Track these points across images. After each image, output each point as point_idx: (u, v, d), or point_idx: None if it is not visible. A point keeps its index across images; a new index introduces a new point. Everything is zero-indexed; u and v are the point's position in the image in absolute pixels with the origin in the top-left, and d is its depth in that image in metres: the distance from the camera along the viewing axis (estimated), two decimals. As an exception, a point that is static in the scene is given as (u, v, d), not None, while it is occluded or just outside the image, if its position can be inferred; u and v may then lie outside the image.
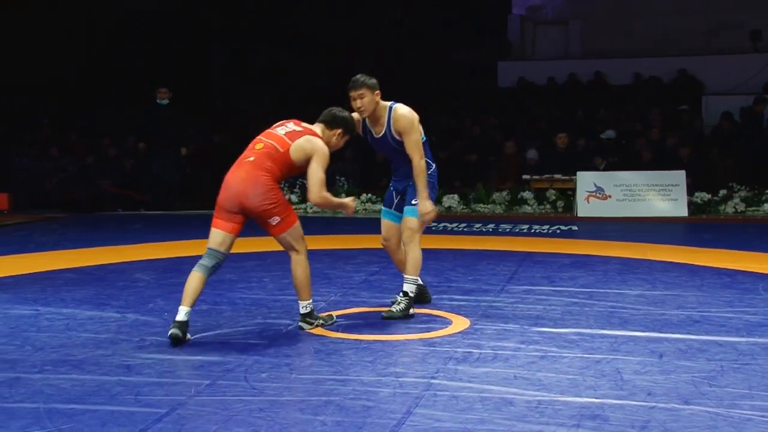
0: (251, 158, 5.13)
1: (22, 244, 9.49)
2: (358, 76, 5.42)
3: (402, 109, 5.43)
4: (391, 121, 5.42)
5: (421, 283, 5.79)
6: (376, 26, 19.09)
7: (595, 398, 3.83)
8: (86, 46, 19.37)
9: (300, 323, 5.22)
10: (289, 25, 19.74)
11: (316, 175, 5.09)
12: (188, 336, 4.92)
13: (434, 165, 5.65)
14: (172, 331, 4.82)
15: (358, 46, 18.79)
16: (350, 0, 20.37)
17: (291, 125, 5.27)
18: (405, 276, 5.57)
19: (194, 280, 5.05)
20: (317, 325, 5.21)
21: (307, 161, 5.13)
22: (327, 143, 5.23)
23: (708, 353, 4.59)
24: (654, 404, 3.74)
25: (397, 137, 5.45)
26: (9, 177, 14.34)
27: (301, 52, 18.93)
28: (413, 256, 5.50)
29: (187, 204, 13.94)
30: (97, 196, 13.93)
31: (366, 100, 5.38)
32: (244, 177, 5.07)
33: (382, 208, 5.82)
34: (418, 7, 19.67)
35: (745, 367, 4.33)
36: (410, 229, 5.51)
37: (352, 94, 5.39)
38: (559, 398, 3.84)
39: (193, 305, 4.96)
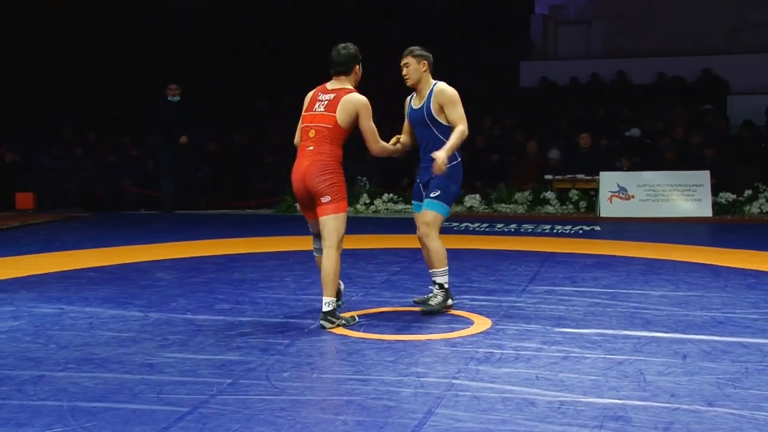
0: (311, 147, 5.35)
1: (47, 243, 9.57)
2: (414, 46, 5.65)
3: (445, 85, 5.60)
4: (432, 94, 5.54)
5: (446, 273, 5.69)
6: (397, 26, 19.09)
7: (618, 399, 3.81)
8: (125, 47, 19.50)
9: (321, 321, 5.23)
10: (308, 24, 19.80)
11: (369, 129, 5.36)
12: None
13: (459, 158, 5.65)
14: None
15: (379, 46, 18.81)
16: (371, 0, 20.42)
17: (324, 97, 5.40)
18: (432, 271, 5.63)
19: (320, 264, 5.41)
20: (338, 325, 5.22)
21: (356, 120, 5.34)
22: (356, 84, 5.45)
23: (732, 355, 4.55)
24: (677, 406, 3.71)
25: (434, 112, 5.54)
26: (34, 177, 14.48)
27: (319, 51, 18.95)
28: (434, 249, 5.56)
29: (211, 203, 14.02)
30: (119, 195, 14.03)
31: (411, 68, 5.58)
32: (307, 164, 5.33)
33: (413, 202, 5.86)
34: (441, 7, 19.65)
35: (771, 369, 4.29)
36: (425, 224, 5.55)
37: (401, 62, 5.63)
38: (582, 399, 3.82)
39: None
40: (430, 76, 5.65)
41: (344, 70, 5.44)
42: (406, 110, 5.82)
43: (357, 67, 5.47)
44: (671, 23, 18.60)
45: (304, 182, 5.31)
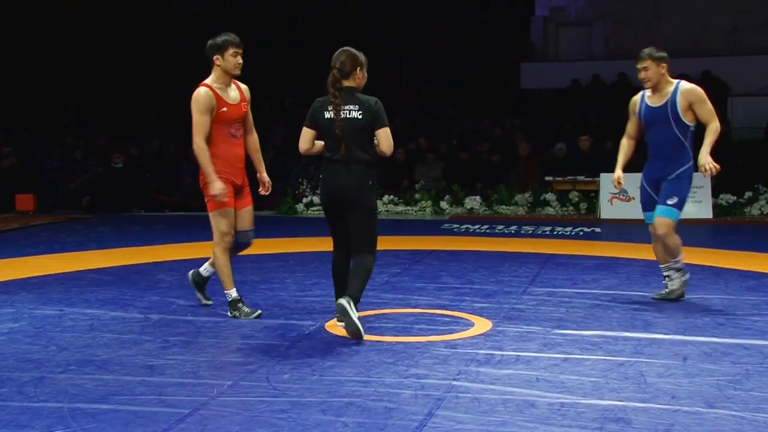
0: None
1: (47, 244, 9.58)
2: (646, 49, 5.87)
3: (691, 85, 5.81)
4: (679, 92, 5.75)
5: (681, 264, 6.04)
6: (399, 28, 19.11)
7: (618, 401, 3.81)
8: (127, 48, 19.54)
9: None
10: (310, 26, 19.83)
11: (194, 122, 5.37)
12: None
13: (692, 161, 5.86)
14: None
15: (382, 48, 18.84)
16: (374, 3, 20.44)
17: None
18: (672, 259, 5.99)
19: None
20: (236, 316, 5.53)
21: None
22: (223, 72, 5.51)
23: (733, 356, 4.54)
24: (678, 408, 3.71)
25: (681, 110, 5.74)
26: (35, 178, 14.48)
27: (320, 53, 18.99)
28: (674, 244, 5.92)
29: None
30: (121, 196, 14.03)
31: (651, 72, 5.79)
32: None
33: (645, 213, 6.12)
34: (442, 9, 19.66)
35: (771, 370, 4.29)
36: (665, 225, 5.85)
37: (637, 66, 5.87)
38: (582, 401, 3.82)
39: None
40: (668, 75, 5.84)
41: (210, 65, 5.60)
42: (636, 109, 6.01)
43: (215, 56, 5.51)
44: (672, 25, 18.61)
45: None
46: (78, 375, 4.27)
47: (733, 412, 3.64)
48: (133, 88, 18.77)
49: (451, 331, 5.19)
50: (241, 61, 5.54)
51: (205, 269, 5.92)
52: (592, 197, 12.72)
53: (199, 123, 5.37)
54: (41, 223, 11.79)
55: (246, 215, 5.71)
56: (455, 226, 11.28)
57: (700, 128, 5.85)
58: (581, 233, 10.46)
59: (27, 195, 13.60)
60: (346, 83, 5.12)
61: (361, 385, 4.06)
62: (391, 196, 13.30)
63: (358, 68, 5.15)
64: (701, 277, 7.09)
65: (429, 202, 13.13)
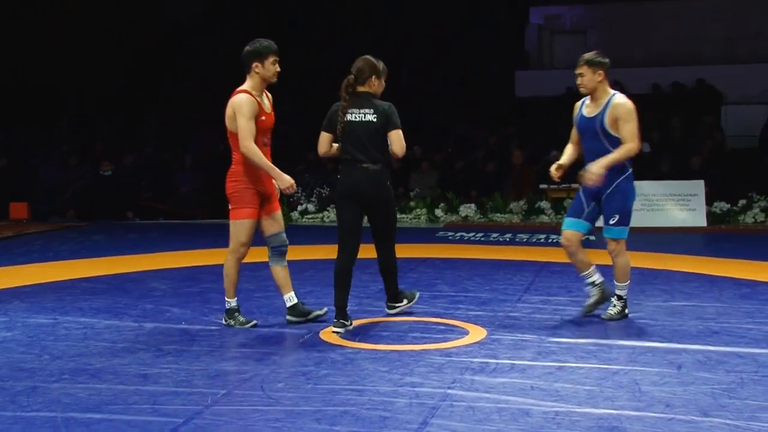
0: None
1: (41, 253, 9.55)
2: (586, 53, 5.65)
3: (624, 98, 5.55)
4: (610, 105, 5.49)
5: (628, 287, 5.83)
6: (394, 36, 19.13)
7: (613, 410, 3.80)
8: (125, 54, 19.54)
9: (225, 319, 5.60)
10: (307, 32, 19.84)
11: (240, 127, 5.28)
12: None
13: (631, 169, 5.63)
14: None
15: (376, 55, 18.85)
16: (368, 10, 20.46)
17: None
18: (617, 283, 5.72)
19: (273, 274, 5.75)
20: (230, 324, 5.53)
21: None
22: (261, 80, 5.45)
23: (727, 365, 4.55)
24: (672, 416, 3.71)
25: (608, 124, 5.49)
26: (29, 186, 14.45)
27: (314, 61, 19.01)
28: (621, 265, 5.67)
29: (208, 212, 14.04)
30: (124, 201, 14.00)
31: (586, 78, 5.57)
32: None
33: (567, 218, 5.79)
34: (437, 16, 19.69)
35: (766, 379, 4.29)
36: (612, 243, 5.64)
37: (576, 71, 5.66)
38: (577, 409, 3.82)
39: (289, 291, 5.73)
40: (607, 85, 5.62)
41: (245, 71, 5.50)
42: (575, 115, 5.78)
43: (254, 64, 5.42)
44: (666, 33, 18.68)
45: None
46: (71, 384, 4.25)
47: (728, 421, 3.64)
48: (133, 89, 18.76)
49: (445, 340, 5.19)
50: (279, 69, 5.49)
51: (289, 299, 5.68)
52: (586, 205, 12.71)
53: (247, 128, 5.28)
54: (35, 232, 11.76)
55: (279, 218, 5.63)
56: (450, 233, 11.28)
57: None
58: (576, 241, 10.45)
59: (20, 203, 13.57)
60: (362, 89, 5.48)
61: (355, 394, 4.05)
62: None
63: (374, 76, 5.55)
64: (696, 285, 7.10)
65: (424, 210, 13.12)
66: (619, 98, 5.54)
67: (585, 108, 5.69)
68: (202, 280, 7.44)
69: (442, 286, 7.09)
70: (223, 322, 5.60)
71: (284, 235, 5.64)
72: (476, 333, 5.34)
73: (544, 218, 12.73)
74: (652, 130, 15.01)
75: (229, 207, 5.48)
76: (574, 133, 5.88)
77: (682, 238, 10.88)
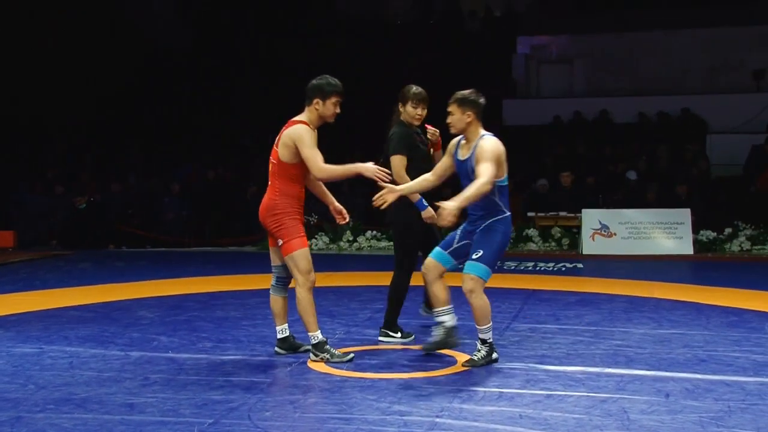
0: (269, 182, 5.42)
1: (27, 281, 9.49)
2: (463, 91, 5.32)
3: (488, 141, 5.18)
4: (476, 148, 5.17)
5: (491, 329, 5.33)
6: (382, 66, 19.25)
7: (602, 438, 3.80)
8: (111, 84, 19.59)
9: (310, 353, 5.37)
10: (299, 63, 19.96)
11: (307, 156, 5.20)
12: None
13: (508, 213, 5.27)
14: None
15: (364, 83, 18.95)
16: (355, 38, 20.59)
17: (283, 130, 5.40)
18: (478, 327, 5.24)
19: (272, 303, 5.60)
20: (324, 358, 5.28)
21: (297, 152, 5.24)
22: (319, 117, 5.34)
23: (715, 393, 4.55)
24: (661, 444, 3.71)
25: (476, 165, 5.12)
26: (15, 214, 14.38)
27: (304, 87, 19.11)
28: (478, 306, 5.17)
29: (195, 240, 14.03)
30: (101, 233, 13.96)
31: (454, 117, 5.28)
32: (263, 200, 5.41)
33: (435, 248, 5.43)
34: (424, 45, 19.84)
35: (753, 407, 4.29)
36: (468, 280, 5.16)
37: (447, 108, 5.35)
38: (565, 438, 3.80)
39: (284, 323, 5.60)
40: (479, 126, 5.27)
41: (306, 102, 5.42)
42: (452, 151, 5.41)
43: (316, 101, 5.33)
44: (652, 63, 18.87)
45: (260, 217, 5.41)
46: (57, 414, 4.22)
47: (716, 449, 3.64)
48: (116, 120, 18.78)
49: (434, 368, 5.18)
50: (339, 111, 5.40)
51: (281, 330, 5.57)
52: (574, 233, 12.78)
53: (315, 155, 5.18)
54: (21, 260, 11.69)
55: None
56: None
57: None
58: (563, 269, 10.49)
59: (7, 231, 13.51)
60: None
61: (343, 423, 4.03)
62: (374, 232, 13.29)
63: (400, 104, 5.98)
64: (683, 313, 7.12)
65: (412, 238, 13.14)
66: (486, 141, 5.17)
67: (459, 150, 5.35)
68: (189, 309, 7.41)
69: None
70: (313, 358, 5.31)
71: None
72: (464, 361, 5.32)
73: (532, 246, 12.75)
74: (638, 159, 15.14)
75: (280, 243, 5.29)
76: (439, 165, 5.54)
77: (669, 266, 10.92)
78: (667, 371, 5.05)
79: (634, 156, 15.41)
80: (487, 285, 5.23)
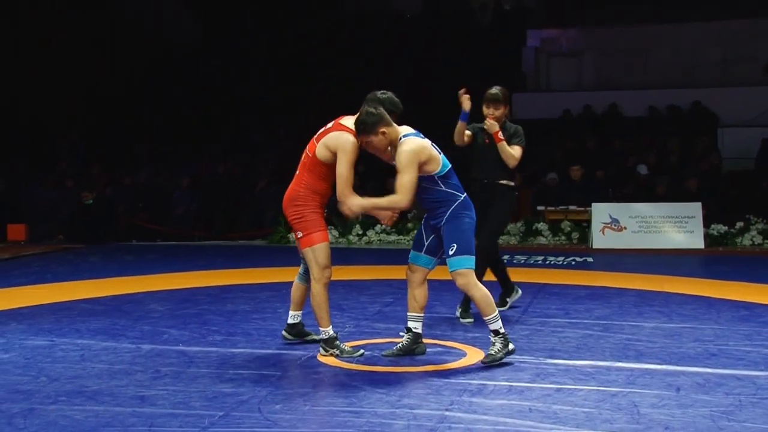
0: (297, 172, 5.37)
1: (39, 274, 9.54)
2: (361, 116, 5.05)
3: (404, 146, 5.00)
4: (396, 154, 5.04)
5: (420, 332, 5.33)
6: (391, 59, 19.23)
7: (612, 432, 3.80)
8: (121, 80, 19.65)
9: (320, 348, 5.34)
10: (307, 58, 19.95)
11: (339, 171, 5.09)
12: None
13: (462, 194, 5.19)
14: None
15: (374, 78, 18.95)
16: (368, 33, 20.57)
17: (330, 124, 5.29)
18: (485, 318, 5.11)
19: (294, 288, 5.59)
20: (331, 354, 5.24)
21: (334, 158, 5.16)
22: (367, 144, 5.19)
23: (726, 387, 4.54)
24: (671, 438, 3.70)
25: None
26: (26, 208, 14.45)
27: (315, 84, 19.12)
28: (479, 296, 5.08)
29: (205, 234, 14.06)
30: (106, 229, 14.00)
31: (374, 143, 5.04)
32: (288, 189, 5.37)
33: (411, 251, 5.33)
34: (434, 39, 19.81)
35: (764, 401, 4.28)
36: (457, 276, 5.08)
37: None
38: (575, 432, 3.81)
39: (298, 310, 5.62)
40: (394, 129, 5.06)
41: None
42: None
43: (379, 128, 5.01)
44: (662, 56, 18.78)
45: (283, 206, 5.38)
46: (68, 406, 4.24)
47: (726, 443, 3.63)
48: (126, 115, 18.84)
49: (443, 361, 5.18)
50: None
51: (293, 317, 5.62)
52: (584, 227, 12.75)
53: (348, 176, 5.07)
54: (33, 253, 11.75)
55: None
56: (448, 255, 11.27)
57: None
58: (573, 263, 10.47)
59: (18, 225, 13.56)
60: None
61: (353, 416, 4.04)
62: (383, 226, 13.29)
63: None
64: (693, 307, 7.10)
65: (421, 232, 13.14)
66: (402, 145, 5.01)
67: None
68: (200, 302, 7.43)
69: (440, 307, 7.09)
70: (323, 353, 5.27)
71: None
72: (474, 355, 5.33)
73: (542, 240, 12.74)
74: (648, 153, 15.09)
75: (299, 235, 5.26)
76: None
77: (680, 260, 10.89)
78: (677, 365, 5.04)
79: (644, 150, 15.37)
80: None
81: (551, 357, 5.26)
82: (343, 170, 5.10)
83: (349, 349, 5.32)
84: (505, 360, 5.09)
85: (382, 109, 5.08)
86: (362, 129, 5.02)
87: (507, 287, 7.03)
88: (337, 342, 5.31)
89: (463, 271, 5.06)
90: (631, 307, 7.10)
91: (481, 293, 5.08)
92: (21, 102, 17.37)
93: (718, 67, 18.54)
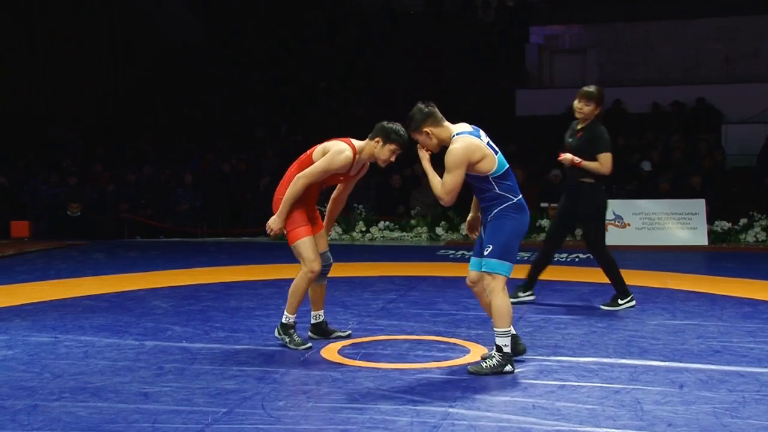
0: (291, 168, 5.49)
1: (42, 271, 9.54)
2: (413, 115, 5.00)
3: (454, 145, 4.87)
4: (447, 152, 4.90)
5: (514, 332, 5.04)
6: (395, 55, 19.22)
7: (615, 429, 3.80)
8: (124, 76, 19.67)
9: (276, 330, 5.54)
10: (310, 55, 19.95)
11: (315, 167, 5.27)
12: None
13: (515, 197, 4.99)
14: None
15: (378, 75, 18.93)
16: (371, 30, 20.57)
17: (338, 139, 5.46)
18: (495, 329, 4.89)
19: (311, 289, 5.64)
20: (284, 340, 5.46)
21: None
22: (371, 155, 5.32)
23: (729, 384, 4.54)
24: (675, 435, 3.70)
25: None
26: (30, 204, 14.46)
27: (320, 81, 19.12)
28: (498, 305, 4.87)
29: (207, 231, 14.06)
30: (116, 223, 14.00)
31: (421, 140, 5.01)
32: (279, 186, 5.48)
33: (472, 258, 5.14)
34: (437, 36, 19.79)
35: (768, 398, 4.28)
36: (486, 277, 4.94)
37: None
38: (578, 428, 3.81)
39: (319, 309, 5.75)
40: (444, 128, 4.95)
41: (370, 136, 5.34)
42: None
43: (377, 140, 5.26)
44: (666, 52, 18.75)
45: (273, 206, 5.47)
46: (72, 403, 4.24)
47: (730, 440, 3.63)
48: (127, 114, 18.85)
49: (447, 358, 5.18)
50: (393, 160, 5.35)
51: (316, 316, 5.73)
52: (587, 224, 12.72)
53: (316, 174, 5.24)
54: (36, 250, 11.75)
55: (323, 237, 5.60)
56: (451, 252, 11.28)
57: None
58: (577, 259, 10.46)
59: (22, 222, 13.56)
60: None
61: (356, 413, 4.04)
62: (387, 222, 13.30)
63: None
64: (697, 303, 7.09)
65: (425, 228, 13.13)
66: (451, 145, 4.90)
67: None
68: (203, 299, 7.44)
69: (443, 304, 7.09)
70: (276, 335, 5.54)
71: (329, 254, 5.61)
72: (478, 351, 5.33)
73: (545, 237, 12.71)
74: (652, 150, 15.06)
75: (285, 232, 5.37)
76: None
77: (684, 257, 10.87)
78: (681, 362, 5.03)
79: (648, 146, 15.34)
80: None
81: (554, 354, 5.26)
82: (318, 167, 5.26)
83: (299, 341, 5.43)
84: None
85: (433, 108, 4.97)
86: (409, 124, 5.02)
87: (530, 282, 7.19)
88: (292, 330, 5.45)
89: (490, 275, 4.88)
90: (635, 304, 7.08)
91: (502, 303, 4.84)
92: (23, 98, 17.40)
93: (721, 63, 18.49)
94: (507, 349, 4.83)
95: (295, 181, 5.30)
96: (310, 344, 5.48)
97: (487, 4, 21.14)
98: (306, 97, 18.76)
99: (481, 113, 17.76)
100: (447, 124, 4.99)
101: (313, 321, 5.74)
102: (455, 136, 4.90)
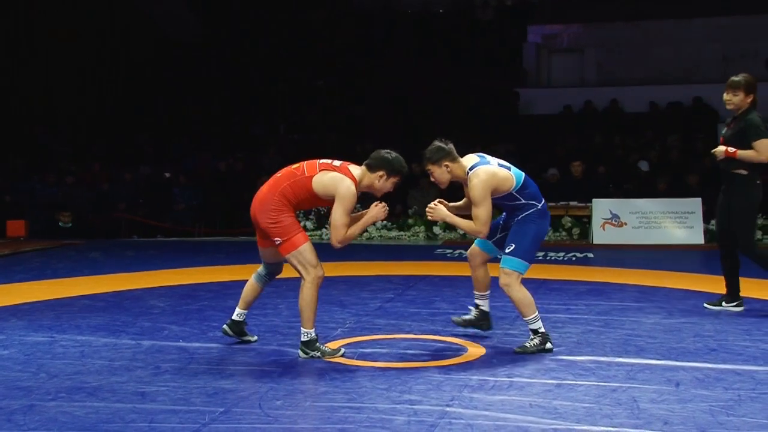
0: (278, 174, 5.26)
1: (39, 270, 9.54)
2: (429, 149, 5.26)
3: (475, 178, 5.18)
4: (468, 185, 5.24)
5: (487, 310, 5.76)
6: (395, 55, 19.22)
7: (612, 427, 3.80)
8: (122, 75, 19.65)
9: (299, 351, 5.21)
10: (309, 54, 19.95)
11: (335, 219, 5.07)
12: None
13: (539, 203, 5.38)
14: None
15: (377, 74, 18.92)
16: (370, 29, 20.57)
17: (337, 162, 5.23)
18: (524, 320, 5.34)
19: (248, 286, 5.54)
20: (314, 356, 5.13)
21: (331, 198, 5.11)
22: (370, 186, 5.20)
23: (725, 382, 4.54)
24: (671, 434, 3.70)
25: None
26: (27, 204, 14.44)
27: (317, 79, 19.12)
28: (517, 298, 5.25)
29: (205, 230, 14.06)
30: (113, 222, 13.99)
31: (435, 174, 5.27)
32: (262, 192, 5.23)
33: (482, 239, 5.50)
34: (435, 35, 19.80)
35: (763, 396, 4.28)
36: (503, 275, 5.24)
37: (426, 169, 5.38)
38: (575, 427, 3.81)
39: (246, 308, 5.57)
40: (459, 164, 5.26)
41: (369, 166, 5.20)
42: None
43: (381, 174, 5.17)
44: (663, 52, 18.78)
45: (253, 211, 5.22)
46: (68, 402, 4.24)
47: (726, 438, 3.64)
48: (125, 113, 18.83)
49: (444, 357, 5.18)
50: (391, 190, 5.34)
51: (239, 314, 5.57)
52: (584, 222, 12.75)
53: (342, 222, 5.05)
54: (33, 249, 11.75)
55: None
56: (448, 251, 11.28)
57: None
58: (574, 258, 10.47)
59: (18, 221, 13.55)
60: None
61: (353, 412, 4.04)
62: (384, 222, 13.30)
63: None
64: (693, 302, 7.10)
65: (422, 228, 13.14)
66: (472, 178, 5.21)
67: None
68: (200, 298, 7.44)
69: (441, 303, 7.09)
70: (301, 355, 5.14)
71: (282, 267, 5.49)
72: (475, 350, 5.34)
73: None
74: (649, 149, 15.08)
75: (278, 241, 5.10)
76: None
77: (680, 256, 10.88)
78: (677, 360, 5.04)
79: (645, 146, 15.36)
80: (497, 274, 5.24)
81: (551, 352, 5.25)
82: (338, 218, 5.05)
83: (330, 350, 5.19)
84: (503, 355, 5.12)
85: (451, 146, 5.26)
86: (428, 158, 5.24)
87: (734, 291, 6.85)
88: (318, 344, 5.17)
89: (509, 271, 5.23)
90: (632, 303, 7.10)
91: (521, 295, 5.24)
92: (19, 96, 17.37)
93: (719, 63, 18.52)
94: (542, 330, 5.27)
95: (338, 229, 5.05)
96: (342, 350, 5.24)
97: (486, 3, 21.16)
98: (304, 96, 18.76)
99: (479, 112, 17.79)
100: (461, 160, 5.29)
101: (235, 318, 5.51)
102: (470, 172, 5.21)
